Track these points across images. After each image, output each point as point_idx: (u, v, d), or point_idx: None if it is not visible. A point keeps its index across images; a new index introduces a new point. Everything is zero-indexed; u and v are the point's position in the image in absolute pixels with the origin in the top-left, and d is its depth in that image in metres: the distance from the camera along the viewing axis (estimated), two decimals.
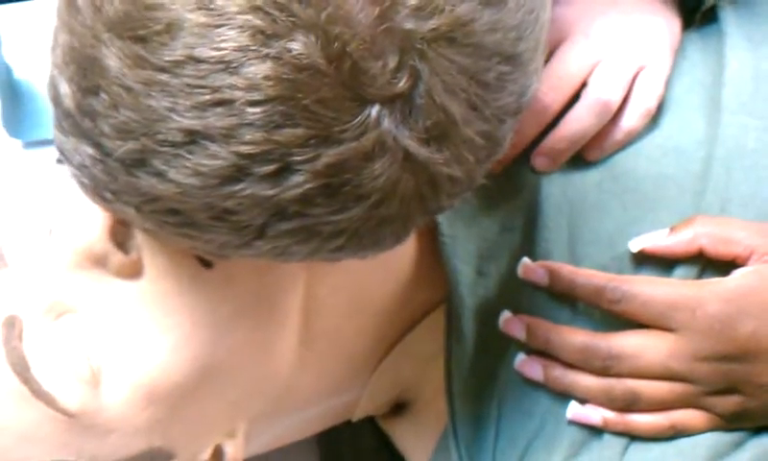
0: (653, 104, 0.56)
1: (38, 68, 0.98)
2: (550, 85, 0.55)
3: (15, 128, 0.93)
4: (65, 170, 0.65)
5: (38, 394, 0.50)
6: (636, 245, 0.54)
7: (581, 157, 0.57)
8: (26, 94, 0.96)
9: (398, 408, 0.64)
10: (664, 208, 0.55)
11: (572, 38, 0.57)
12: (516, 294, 0.57)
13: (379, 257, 0.57)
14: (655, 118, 0.57)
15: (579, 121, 0.55)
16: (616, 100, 0.56)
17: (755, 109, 0.56)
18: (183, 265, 0.51)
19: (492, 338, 0.57)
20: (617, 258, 0.55)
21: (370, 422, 0.66)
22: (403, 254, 0.59)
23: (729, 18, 0.60)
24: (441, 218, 0.58)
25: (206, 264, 0.52)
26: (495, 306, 0.57)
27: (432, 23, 0.38)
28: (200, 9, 0.37)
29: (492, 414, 0.57)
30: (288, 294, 0.54)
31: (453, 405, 0.58)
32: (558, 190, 0.57)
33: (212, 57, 0.37)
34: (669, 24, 0.59)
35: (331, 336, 0.57)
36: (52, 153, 0.89)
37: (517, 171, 0.58)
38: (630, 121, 0.56)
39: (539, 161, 0.57)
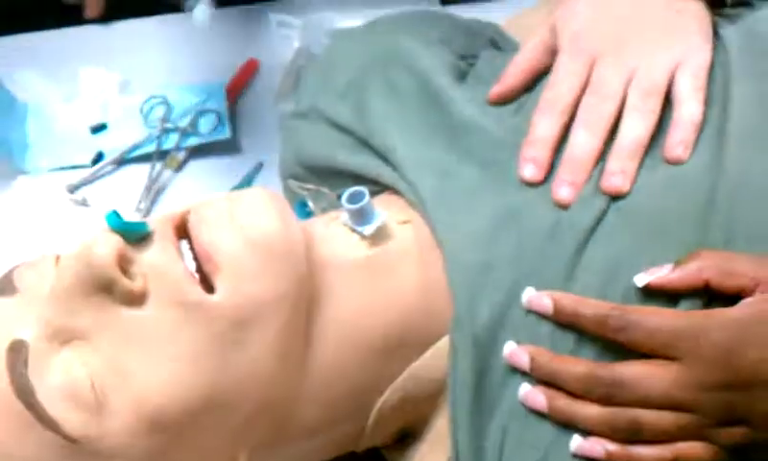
0: (697, 112, 0.58)
1: (46, 98, 0.99)
2: (588, 124, 0.58)
3: (23, 157, 0.93)
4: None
5: (43, 419, 0.50)
6: (641, 280, 0.54)
7: (589, 187, 0.58)
8: (34, 123, 0.97)
9: (404, 439, 0.63)
10: (669, 240, 0.55)
11: (602, 60, 0.59)
12: (520, 324, 0.57)
13: (382, 288, 0.58)
14: None
15: (623, 161, 0.57)
16: (650, 128, 0.58)
17: (760, 140, 0.57)
18: (188, 292, 0.52)
19: (495, 369, 0.57)
20: (622, 289, 0.55)
21: (375, 453, 0.66)
22: (406, 281, 0.59)
23: (732, 42, 0.61)
24: (447, 242, 0.59)
25: (209, 289, 0.52)
26: (500, 335, 0.57)
27: None
28: None
29: (496, 446, 0.56)
30: (292, 323, 0.54)
31: (456, 437, 0.57)
32: (562, 220, 0.57)
33: None
34: (701, 7, 0.61)
35: (334, 367, 0.57)
36: (59, 180, 0.90)
37: (525, 200, 0.59)
38: (672, 152, 0.57)
39: (613, 180, 0.57)
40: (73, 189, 0.91)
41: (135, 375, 0.51)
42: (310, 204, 0.67)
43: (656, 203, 0.56)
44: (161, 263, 0.52)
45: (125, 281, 0.51)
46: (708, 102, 0.59)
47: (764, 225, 0.54)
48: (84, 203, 0.90)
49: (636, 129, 0.58)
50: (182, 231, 0.55)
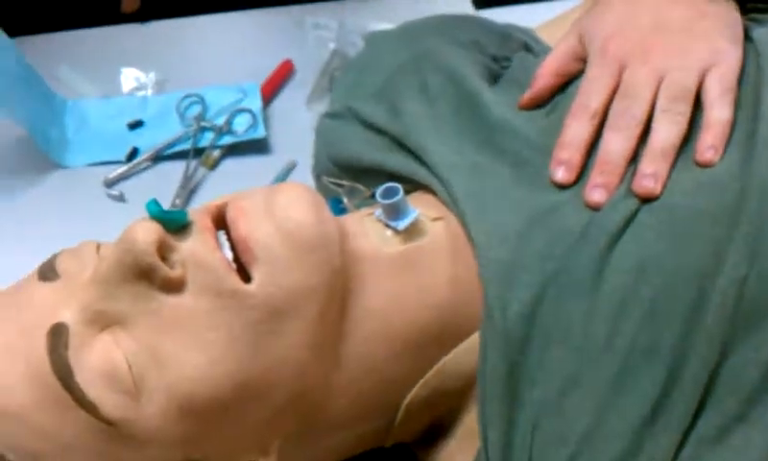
0: (726, 115, 0.59)
1: (84, 94, 1.01)
2: (620, 128, 0.59)
3: (62, 152, 0.95)
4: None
5: (81, 402, 0.52)
6: None
7: (621, 189, 0.59)
8: (73, 119, 0.99)
9: (432, 435, 0.64)
10: (699, 240, 0.55)
11: (631, 67, 0.61)
12: (550, 323, 0.57)
13: (414, 283, 0.59)
14: None
15: (655, 163, 0.58)
16: (681, 131, 0.59)
17: None
18: (224, 281, 0.53)
19: (527, 365, 0.57)
20: (651, 290, 0.55)
21: (403, 449, 0.66)
22: (438, 277, 0.60)
23: (764, 45, 0.61)
24: (480, 239, 0.59)
25: (246, 279, 0.53)
26: (530, 334, 0.57)
27: None
28: None
29: (526, 441, 0.57)
30: (327, 315, 0.55)
31: (486, 432, 0.58)
32: (596, 222, 0.58)
33: None
34: (730, 10, 0.62)
35: (365, 360, 0.58)
36: (96, 175, 0.92)
37: (557, 201, 0.60)
38: (703, 156, 0.58)
39: (645, 182, 0.58)
40: (110, 184, 0.93)
41: (171, 360, 0.52)
42: (344, 200, 0.68)
43: (686, 203, 0.57)
44: (199, 252, 0.53)
45: (164, 268, 0.52)
46: (738, 105, 0.59)
47: None
48: (120, 198, 0.92)
49: (666, 132, 0.59)
50: (221, 222, 0.56)
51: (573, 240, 0.58)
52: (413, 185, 0.66)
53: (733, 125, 0.59)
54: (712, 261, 0.55)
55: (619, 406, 0.54)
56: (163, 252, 0.53)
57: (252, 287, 0.53)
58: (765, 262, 0.54)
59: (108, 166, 0.94)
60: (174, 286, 0.53)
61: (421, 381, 0.60)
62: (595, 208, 0.58)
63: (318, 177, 0.77)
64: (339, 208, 0.69)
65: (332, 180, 0.70)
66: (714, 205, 0.56)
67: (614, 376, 0.55)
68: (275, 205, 0.55)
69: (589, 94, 0.62)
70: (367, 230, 0.60)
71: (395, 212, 0.59)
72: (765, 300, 0.54)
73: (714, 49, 0.61)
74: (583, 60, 0.65)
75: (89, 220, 0.88)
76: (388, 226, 0.60)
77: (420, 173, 0.65)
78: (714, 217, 0.56)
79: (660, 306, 0.55)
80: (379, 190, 0.59)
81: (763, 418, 0.53)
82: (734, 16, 0.64)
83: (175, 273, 0.53)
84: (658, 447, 0.53)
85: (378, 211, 0.60)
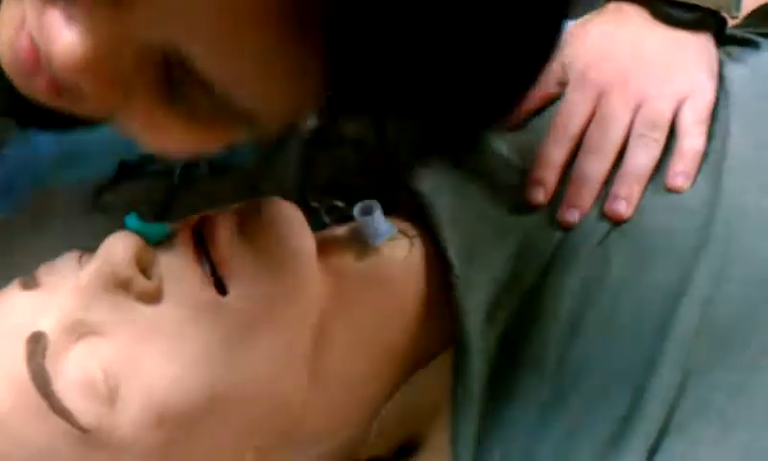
0: (698, 145, 0.60)
1: None
2: (596, 151, 0.61)
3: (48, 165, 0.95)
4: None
5: (58, 409, 0.52)
6: None
7: (594, 210, 0.60)
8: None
9: (405, 451, 0.65)
10: (667, 262, 0.57)
11: (610, 93, 0.62)
12: (522, 342, 0.58)
13: (389, 299, 0.60)
14: None
15: (628, 187, 0.60)
16: (655, 157, 0.61)
17: (755, 175, 0.59)
18: (201, 293, 0.54)
19: (497, 384, 0.58)
20: (626, 308, 0.57)
21: None
22: (413, 294, 0.61)
23: (734, 81, 0.63)
24: (455, 258, 0.60)
25: (223, 292, 0.54)
26: (502, 353, 0.59)
27: None
28: None
29: None
30: (302, 329, 0.56)
31: (457, 451, 0.59)
32: (567, 242, 0.59)
33: None
34: (708, 41, 0.64)
35: (339, 373, 0.59)
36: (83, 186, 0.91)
37: (531, 221, 0.61)
38: (674, 181, 0.60)
39: (617, 205, 0.60)
40: (96, 195, 0.93)
41: (146, 369, 0.53)
42: (323, 215, 0.69)
43: (656, 226, 0.58)
44: (177, 265, 0.54)
45: (141, 280, 0.53)
46: (709, 136, 0.61)
47: (758, 254, 0.56)
48: (104, 209, 0.92)
49: (640, 157, 0.60)
50: (200, 235, 0.57)
51: (545, 260, 0.59)
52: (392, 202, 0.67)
53: (704, 154, 0.60)
54: (680, 282, 0.56)
55: (587, 427, 0.55)
56: (142, 264, 0.54)
57: (228, 300, 0.54)
58: (730, 285, 0.55)
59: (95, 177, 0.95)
60: (152, 297, 0.54)
61: (394, 398, 0.61)
62: (568, 228, 0.60)
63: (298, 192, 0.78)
64: (318, 223, 0.70)
65: (312, 195, 0.71)
66: (682, 227, 0.58)
67: (584, 396, 0.56)
68: (253, 219, 0.56)
69: (569, 118, 0.64)
70: (344, 245, 0.61)
71: (371, 229, 0.60)
72: (729, 321, 0.55)
73: (691, 79, 0.63)
74: (563, 85, 0.67)
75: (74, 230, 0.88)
76: (365, 242, 0.61)
77: (399, 190, 0.66)
78: (682, 239, 0.57)
79: (628, 327, 0.56)
80: (357, 207, 0.60)
81: (732, 441, 0.54)
82: (711, 49, 0.65)
83: (152, 284, 0.53)
84: None
85: (356, 228, 0.61)
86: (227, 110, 0.44)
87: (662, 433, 0.54)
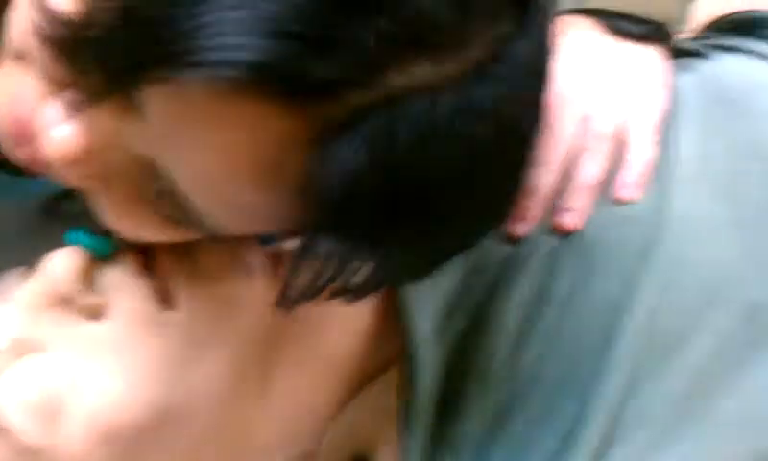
0: (647, 155, 0.60)
1: None
2: (544, 164, 0.60)
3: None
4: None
5: (0, 427, 0.51)
6: None
7: (543, 223, 0.60)
8: None
9: None
10: (614, 272, 0.57)
11: (559, 106, 0.62)
12: (470, 355, 0.58)
13: (338, 313, 0.59)
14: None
15: (576, 199, 0.60)
16: (603, 169, 0.60)
17: (700, 183, 0.59)
18: (147, 309, 0.53)
19: (446, 398, 0.58)
20: (576, 319, 0.57)
21: None
22: (362, 308, 0.60)
23: (685, 91, 0.63)
24: None
25: (170, 307, 0.53)
26: (450, 367, 0.58)
27: None
28: None
29: None
30: (250, 343, 0.56)
31: None
32: (516, 254, 0.59)
33: None
34: (661, 53, 0.64)
35: (287, 388, 0.58)
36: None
37: None
38: (622, 193, 0.60)
39: (566, 217, 0.60)
40: (54, 203, 0.92)
41: (90, 387, 0.52)
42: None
43: (604, 238, 0.58)
44: (123, 279, 0.54)
45: (85, 295, 0.53)
46: (659, 146, 0.61)
47: (704, 262, 0.57)
48: (64, 217, 0.91)
49: (590, 169, 0.60)
50: (148, 250, 0.56)
51: (494, 274, 0.59)
52: None
53: (654, 164, 0.61)
54: (626, 293, 0.56)
55: (534, 439, 0.56)
56: (86, 279, 0.53)
57: (174, 315, 0.53)
58: (675, 294, 0.56)
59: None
60: (96, 313, 0.53)
61: (344, 412, 0.60)
62: (516, 241, 0.60)
63: None
64: (268, 238, 0.69)
65: None
66: (630, 238, 0.58)
67: (534, 410, 0.56)
68: None
69: None
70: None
71: None
72: (674, 331, 0.55)
73: (641, 90, 0.63)
74: None
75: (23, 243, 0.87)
76: None
77: None
78: (629, 250, 0.57)
79: (574, 339, 0.56)
80: None
81: (676, 450, 0.54)
82: (662, 60, 0.66)
83: (97, 300, 0.53)
84: None
85: None
86: (199, 226, 0.47)
87: (606, 443, 0.54)
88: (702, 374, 0.55)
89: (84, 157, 0.45)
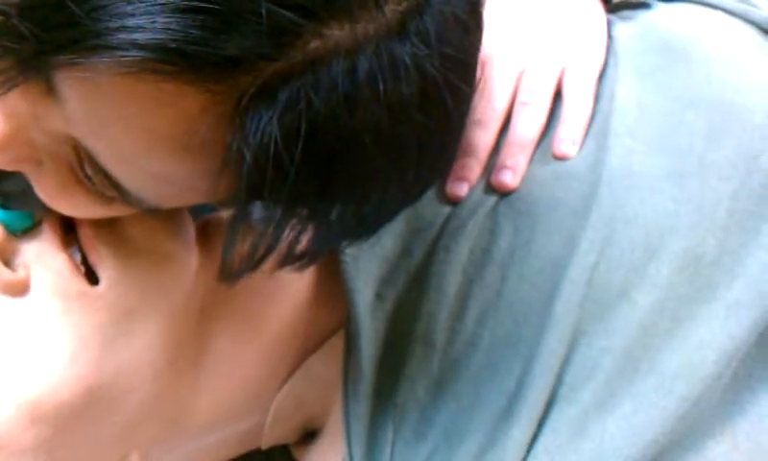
0: (584, 109, 0.59)
1: None
2: (480, 121, 0.59)
3: None
4: None
5: None
6: None
7: (481, 181, 0.59)
8: None
9: (309, 436, 0.63)
10: (554, 230, 0.56)
11: (493, 60, 0.61)
12: (412, 319, 0.57)
13: (278, 278, 0.58)
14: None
15: (513, 156, 0.59)
16: (539, 125, 0.59)
17: (638, 134, 0.58)
18: (71, 283, 0.51)
19: (389, 362, 0.57)
20: (516, 277, 0.56)
21: (283, 450, 0.66)
22: (302, 276, 0.59)
23: (622, 42, 0.62)
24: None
25: (94, 281, 0.52)
26: (392, 331, 0.57)
27: None
28: None
29: (388, 438, 0.56)
30: (181, 316, 0.54)
31: (350, 430, 0.58)
32: (455, 215, 0.58)
33: None
34: (595, 4, 0.63)
35: (228, 360, 0.57)
36: None
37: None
38: (559, 148, 0.59)
39: (503, 175, 0.58)
40: None
41: (16, 365, 0.51)
42: None
43: (543, 195, 0.57)
44: (43, 254, 0.52)
45: (4, 271, 0.51)
46: (596, 98, 0.60)
47: (643, 216, 0.55)
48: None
49: (525, 125, 0.59)
50: (69, 223, 0.54)
51: (434, 236, 0.58)
52: None
53: (591, 118, 0.59)
54: (566, 250, 0.55)
55: (479, 401, 0.55)
56: (6, 255, 0.52)
57: (99, 289, 0.52)
58: (615, 249, 0.55)
59: None
60: (18, 289, 0.52)
61: (288, 383, 0.59)
62: (456, 201, 0.58)
63: None
64: (203, 208, 0.68)
65: None
66: (568, 194, 0.57)
67: (476, 371, 0.55)
68: None
69: None
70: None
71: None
72: (615, 286, 0.54)
73: (577, 43, 0.62)
74: None
75: None
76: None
77: None
78: (569, 207, 0.56)
79: (516, 299, 0.55)
80: None
81: (620, 407, 0.53)
82: (600, 11, 0.64)
83: (17, 276, 0.51)
84: (511, 439, 0.53)
85: None
86: (131, 202, 0.46)
87: (550, 402, 0.53)
88: (644, 329, 0.53)
89: (8, 143, 0.45)
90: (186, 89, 0.40)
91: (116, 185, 0.45)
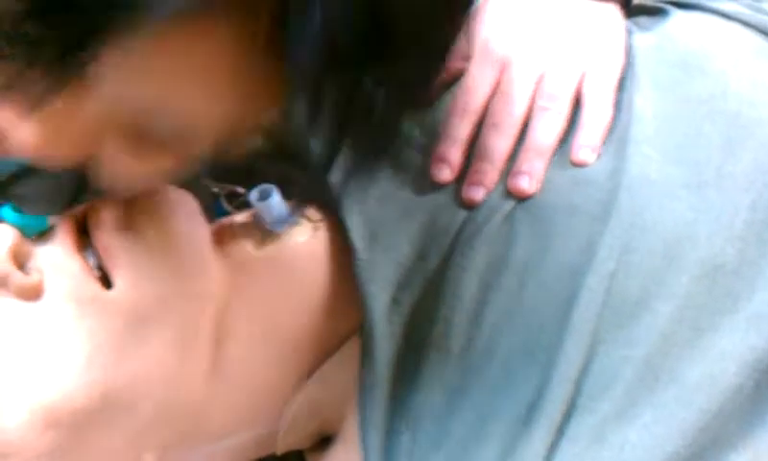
0: (604, 116, 0.59)
1: None
2: (499, 126, 0.59)
3: None
4: None
5: None
6: None
7: (498, 187, 0.58)
8: None
9: (324, 442, 0.63)
10: (571, 237, 0.55)
11: (513, 64, 0.60)
12: (428, 325, 0.56)
13: (291, 286, 0.58)
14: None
15: (530, 162, 0.58)
16: (558, 131, 0.58)
17: (656, 144, 0.57)
18: (85, 287, 0.51)
19: (405, 368, 0.57)
20: (534, 286, 0.55)
21: (298, 455, 0.65)
22: (317, 280, 0.59)
23: (641, 50, 0.61)
24: (358, 241, 0.58)
25: (108, 285, 0.51)
26: (408, 337, 0.57)
27: None
28: None
29: (405, 447, 0.56)
30: (197, 321, 0.54)
31: (366, 438, 0.57)
32: (471, 220, 0.57)
33: None
34: (616, 11, 0.63)
35: (243, 366, 0.57)
36: None
37: (436, 200, 0.59)
38: (578, 155, 0.58)
39: (520, 181, 0.58)
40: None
41: (29, 370, 0.50)
42: (224, 202, 0.67)
43: (561, 201, 0.56)
44: (57, 258, 0.52)
45: (18, 275, 0.51)
46: (616, 107, 0.59)
47: (662, 224, 0.55)
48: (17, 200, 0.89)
49: (543, 131, 0.58)
50: (84, 227, 0.54)
51: (450, 241, 0.57)
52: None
53: (611, 126, 0.59)
54: (584, 258, 0.54)
55: (496, 409, 0.54)
56: (20, 258, 0.51)
57: (113, 294, 0.52)
58: (633, 256, 0.54)
59: None
60: (31, 293, 0.51)
61: (303, 389, 0.59)
62: (472, 206, 0.58)
63: (196, 178, 0.76)
64: (220, 210, 0.68)
65: (212, 182, 0.69)
66: (587, 201, 0.56)
67: (494, 379, 0.55)
68: (141, 210, 0.54)
69: (471, 92, 0.62)
70: (243, 233, 0.59)
71: (272, 215, 0.58)
72: (634, 295, 0.53)
73: (597, 49, 0.61)
74: (468, 59, 0.65)
75: None
76: (265, 229, 0.59)
77: (302, 175, 0.64)
78: (587, 214, 0.55)
79: (533, 307, 0.54)
80: (253, 192, 0.58)
81: (641, 417, 0.52)
82: (619, 18, 0.64)
83: (31, 280, 0.51)
84: (529, 448, 0.52)
85: (256, 214, 0.59)
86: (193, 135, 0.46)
87: (569, 412, 0.52)
88: (665, 338, 0.53)
89: (54, 144, 0.45)
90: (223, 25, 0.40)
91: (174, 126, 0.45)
